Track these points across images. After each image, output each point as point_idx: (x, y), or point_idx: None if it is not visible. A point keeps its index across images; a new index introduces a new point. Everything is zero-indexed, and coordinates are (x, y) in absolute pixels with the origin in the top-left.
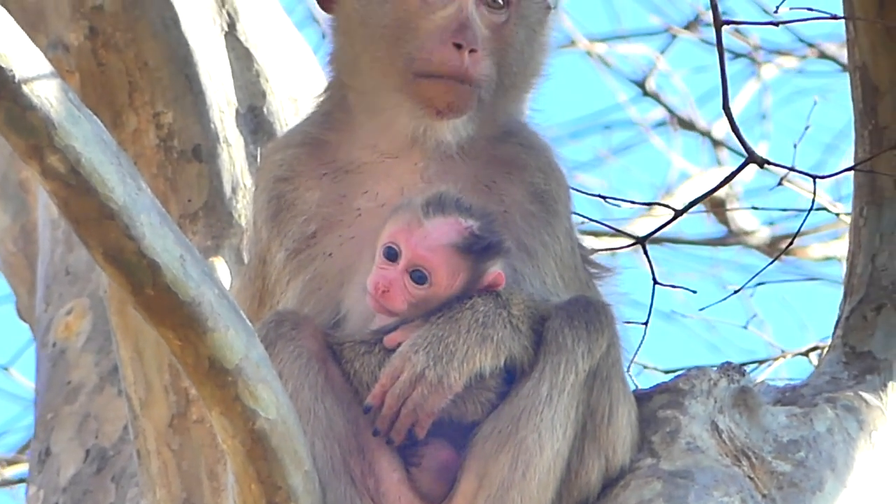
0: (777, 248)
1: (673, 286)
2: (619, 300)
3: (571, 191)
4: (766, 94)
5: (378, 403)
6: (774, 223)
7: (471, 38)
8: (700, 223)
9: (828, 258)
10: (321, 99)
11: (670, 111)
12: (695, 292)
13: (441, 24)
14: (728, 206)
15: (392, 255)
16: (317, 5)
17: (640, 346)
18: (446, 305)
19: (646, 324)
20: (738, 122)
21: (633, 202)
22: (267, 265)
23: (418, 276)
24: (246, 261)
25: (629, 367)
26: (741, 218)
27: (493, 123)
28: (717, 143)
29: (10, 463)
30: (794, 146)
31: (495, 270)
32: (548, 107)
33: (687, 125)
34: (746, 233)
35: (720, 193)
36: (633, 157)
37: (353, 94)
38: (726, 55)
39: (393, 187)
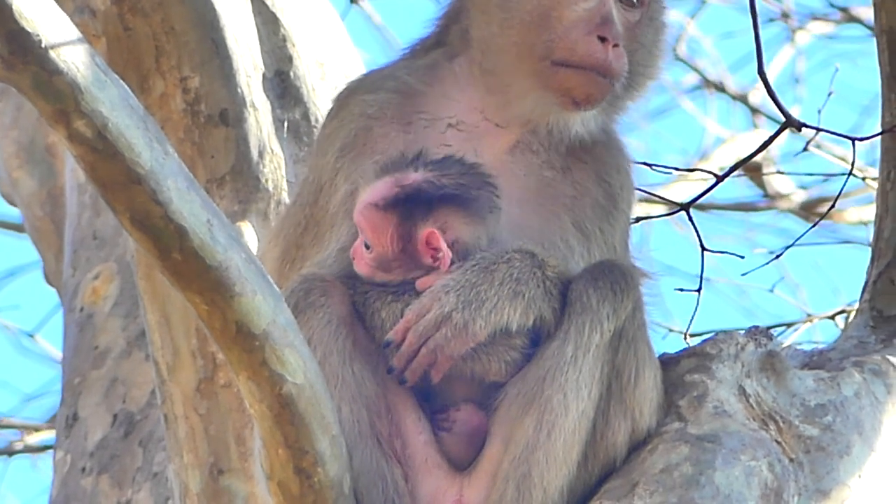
0: (811, 212)
1: (721, 252)
2: (657, 304)
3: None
4: (800, 60)
5: (399, 339)
6: (808, 187)
7: (615, 33)
8: (734, 187)
9: (863, 222)
10: (425, 51)
11: (702, 76)
12: (742, 257)
13: (585, 15)
14: (764, 170)
15: None
16: None
17: (695, 312)
18: (408, 266)
19: (699, 290)
20: (773, 87)
21: (676, 168)
22: (324, 194)
23: (365, 242)
24: (303, 177)
25: (686, 335)
26: (777, 181)
27: (618, 118)
28: (750, 108)
29: (36, 430)
30: (819, 112)
31: (428, 229)
32: None
33: (720, 89)
34: (782, 196)
35: (756, 158)
36: (666, 122)
37: (476, 66)
38: (759, 20)
39: (472, 149)
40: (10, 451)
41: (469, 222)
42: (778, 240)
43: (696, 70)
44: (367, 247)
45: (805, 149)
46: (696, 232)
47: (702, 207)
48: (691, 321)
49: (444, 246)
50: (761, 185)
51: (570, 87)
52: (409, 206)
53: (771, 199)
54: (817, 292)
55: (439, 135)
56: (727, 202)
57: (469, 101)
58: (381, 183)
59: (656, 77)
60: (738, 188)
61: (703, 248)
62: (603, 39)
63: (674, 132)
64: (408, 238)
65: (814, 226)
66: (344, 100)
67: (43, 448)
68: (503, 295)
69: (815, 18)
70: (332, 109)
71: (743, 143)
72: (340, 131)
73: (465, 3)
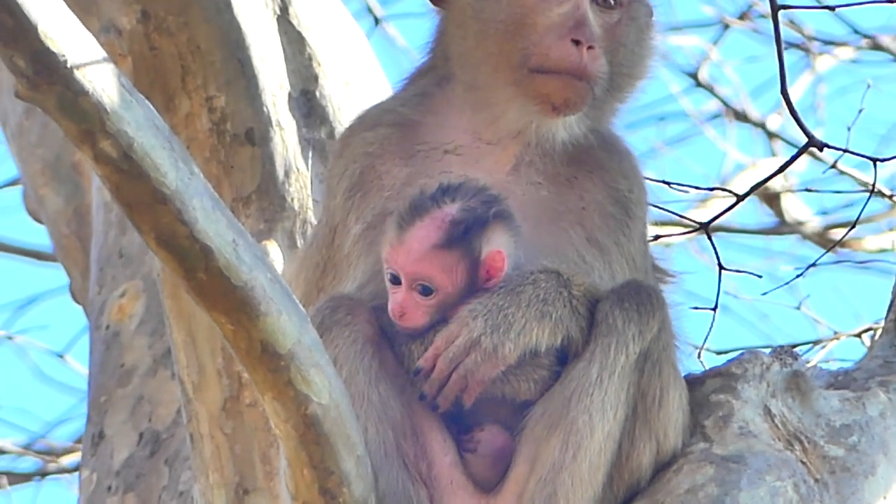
0: (828, 238)
1: (738, 271)
2: (681, 304)
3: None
4: (821, 86)
5: (430, 366)
6: (827, 213)
7: (589, 35)
8: (752, 214)
9: (882, 250)
10: (417, 80)
11: (724, 102)
12: (760, 277)
13: (558, 20)
14: (782, 197)
15: (394, 279)
16: None
17: (709, 332)
18: (468, 295)
19: (714, 309)
20: (796, 107)
21: (696, 188)
22: (339, 235)
23: (423, 290)
24: (318, 220)
25: (699, 354)
26: (794, 208)
27: (600, 126)
28: (770, 135)
29: (66, 452)
30: (848, 129)
31: (493, 250)
32: None
33: (740, 116)
34: (800, 223)
35: (774, 184)
36: (686, 148)
37: (460, 84)
38: (782, 42)
39: (479, 173)
40: (42, 473)
41: (512, 239)
42: (797, 265)
43: (716, 96)
44: (427, 293)
45: (833, 166)
46: (715, 251)
47: (720, 228)
48: (706, 340)
49: (507, 262)
50: (780, 212)
51: (548, 92)
52: (468, 237)
53: (788, 225)
54: (838, 318)
55: (439, 162)
56: (746, 226)
57: (462, 125)
58: (420, 229)
59: (643, 76)
60: (757, 215)
61: (721, 268)
62: (577, 43)
63: (694, 159)
64: (474, 267)
65: (835, 244)
66: (346, 139)
67: (74, 469)
68: (531, 316)
69: (837, 44)
70: (336, 150)
71: (763, 169)
72: (346, 172)
73: (445, 23)
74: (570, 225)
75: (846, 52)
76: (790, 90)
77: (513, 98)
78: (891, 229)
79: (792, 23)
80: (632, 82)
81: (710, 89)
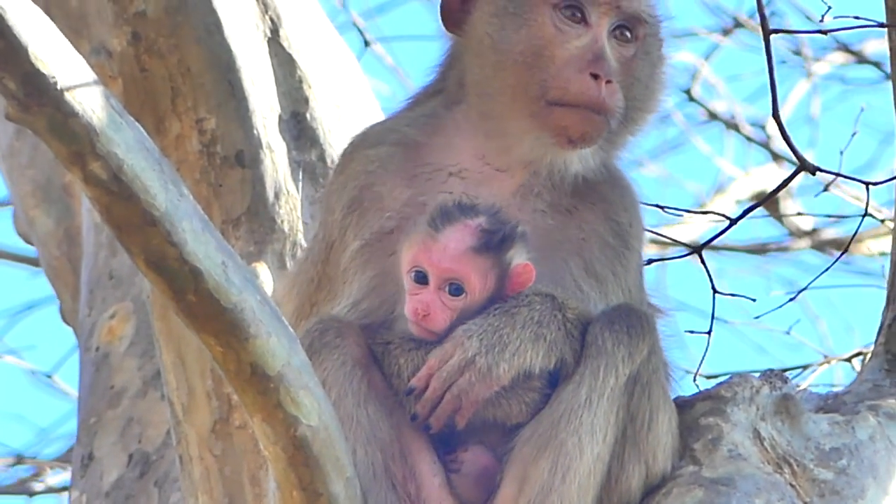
0: (827, 248)
1: (733, 294)
2: (673, 342)
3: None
4: (815, 96)
5: (423, 386)
6: (823, 228)
7: (608, 69)
8: (751, 223)
9: (883, 253)
10: (424, 101)
11: (717, 117)
12: (754, 300)
13: (577, 53)
14: (781, 204)
15: (420, 277)
16: (441, 24)
17: (704, 355)
18: (487, 308)
19: (709, 332)
20: (787, 130)
21: (689, 211)
22: (335, 251)
23: (454, 289)
24: (314, 234)
25: (695, 377)
26: (792, 208)
27: (616, 155)
28: (763, 146)
29: (51, 467)
30: (841, 153)
31: (521, 262)
32: None
33: (733, 127)
34: (801, 231)
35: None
36: (679, 157)
37: (474, 111)
38: (774, 59)
39: (484, 197)
40: (30, 492)
41: (528, 254)
42: (797, 272)
43: (709, 112)
44: (457, 293)
45: (826, 189)
46: (708, 274)
47: (715, 248)
48: (701, 363)
49: (534, 276)
50: (779, 218)
51: (566, 125)
52: (502, 246)
53: (790, 232)
54: (835, 329)
55: (442, 184)
56: (744, 243)
57: (470, 148)
58: (456, 231)
59: (655, 110)
60: (757, 223)
61: (715, 291)
62: (596, 77)
63: (688, 168)
64: (503, 277)
65: (827, 268)
66: (348, 156)
67: (62, 489)
68: (525, 338)
69: (832, 51)
70: (337, 165)
71: (759, 178)
72: (346, 188)
73: (460, 49)
74: (570, 255)
75: (840, 58)
76: (784, 102)
77: (529, 129)
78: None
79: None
80: (644, 116)
81: (702, 103)
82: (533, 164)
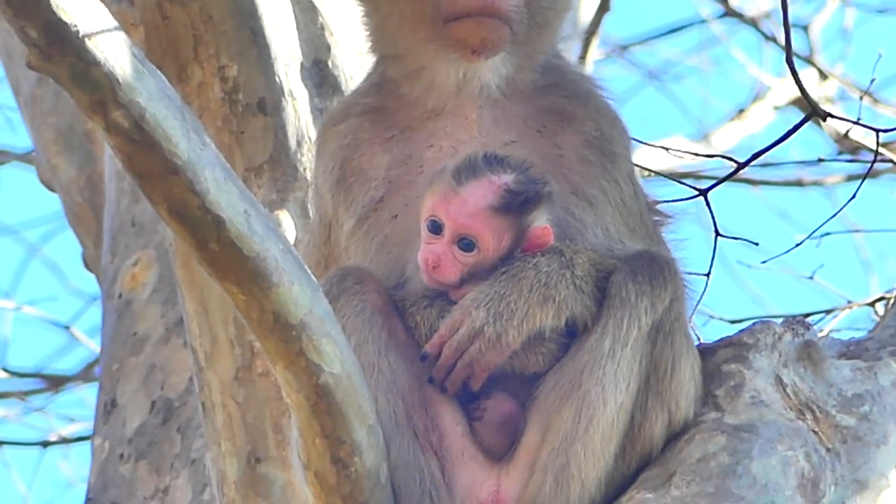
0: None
1: (735, 238)
2: (680, 247)
3: (628, 131)
4: (848, 6)
5: (435, 353)
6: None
7: None
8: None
9: None
10: (370, 72)
11: (753, 25)
12: (756, 244)
13: None
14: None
15: (436, 228)
16: None
17: (700, 298)
18: (501, 265)
19: (707, 275)
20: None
21: (695, 154)
22: (333, 231)
23: (466, 244)
24: (311, 219)
25: (691, 316)
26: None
27: (533, 64)
28: (800, 58)
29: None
30: (860, 98)
31: (541, 225)
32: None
33: (771, 39)
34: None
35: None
36: (716, 70)
37: (392, 61)
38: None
39: (449, 144)
40: (44, 443)
41: (552, 214)
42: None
43: (742, 19)
44: (468, 249)
45: (846, 135)
46: (713, 218)
47: (754, 183)
48: (696, 307)
49: (553, 239)
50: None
51: (463, 36)
52: (524, 208)
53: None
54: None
55: (413, 143)
56: (775, 178)
57: (413, 102)
58: (478, 187)
59: (567, 7)
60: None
61: (717, 234)
62: None
63: (724, 78)
64: (519, 238)
65: (835, 214)
66: (321, 137)
67: (75, 440)
68: (533, 302)
69: None
70: (315, 151)
71: (751, 121)
72: (327, 168)
73: (363, 6)
74: (553, 178)
75: None
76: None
77: (436, 54)
78: None
79: None
80: (557, 14)
81: (740, 15)
82: (461, 91)
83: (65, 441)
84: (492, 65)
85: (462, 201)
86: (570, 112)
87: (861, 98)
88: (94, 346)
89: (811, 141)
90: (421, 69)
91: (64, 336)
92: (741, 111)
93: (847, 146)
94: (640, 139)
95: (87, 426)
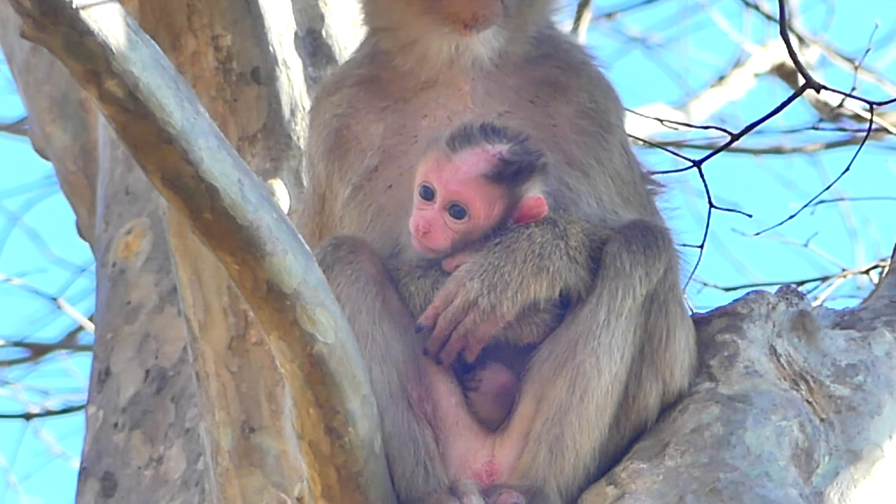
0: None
1: (729, 210)
2: (673, 215)
3: (621, 100)
4: None
5: (430, 324)
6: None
7: None
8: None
9: None
10: (360, 45)
11: None
12: (750, 216)
13: None
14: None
15: (428, 194)
16: None
17: (695, 269)
18: (494, 234)
19: (701, 246)
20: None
21: (689, 125)
22: (327, 201)
23: (457, 211)
24: (305, 190)
25: (686, 286)
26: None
27: (525, 37)
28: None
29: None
30: (855, 68)
31: (534, 196)
32: None
33: (749, 5)
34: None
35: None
36: (697, 36)
37: (384, 33)
38: None
39: (443, 114)
40: (27, 416)
41: (546, 186)
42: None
43: None
44: (459, 216)
45: (840, 105)
46: (706, 189)
47: (750, 152)
48: (690, 278)
49: (547, 210)
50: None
51: (455, 10)
52: (517, 178)
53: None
54: (849, 241)
55: (406, 114)
56: (766, 146)
57: (405, 74)
58: (471, 155)
59: None
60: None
61: (711, 205)
62: None
63: (707, 44)
64: (511, 208)
65: (831, 185)
66: (315, 109)
67: (61, 411)
68: (527, 273)
69: None
70: (309, 122)
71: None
72: (321, 138)
73: None
74: (547, 147)
75: None
76: None
77: (429, 27)
78: None
79: None
80: None
81: None
82: (454, 63)
83: (48, 413)
84: (484, 38)
85: (455, 168)
86: (563, 83)
87: (856, 69)
88: (78, 315)
89: (790, 108)
90: (413, 42)
91: (47, 306)
92: (721, 78)
93: (828, 113)
94: (631, 108)
95: (68, 398)
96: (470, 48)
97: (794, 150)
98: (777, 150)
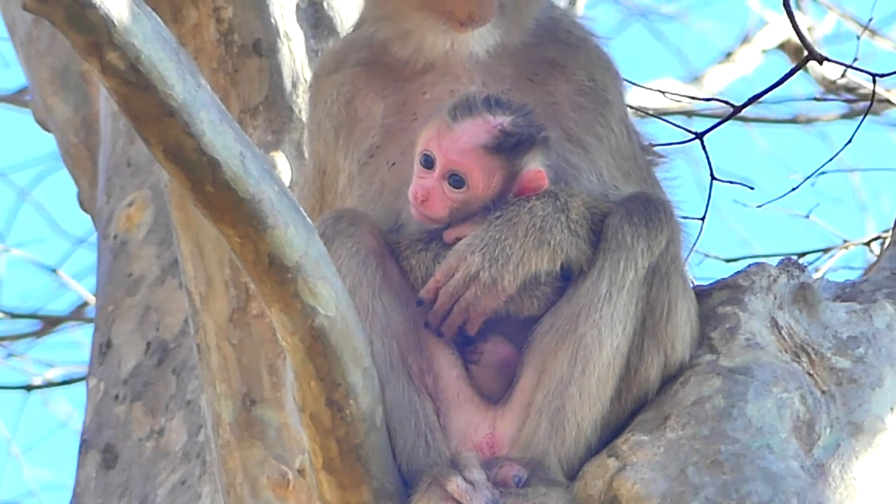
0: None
1: (731, 182)
2: (673, 186)
3: (620, 75)
4: None
5: (431, 298)
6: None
7: None
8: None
9: None
10: (358, 23)
11: None
12: (752, 188)
13: None
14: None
15: (428, 162)
16: None
17: (696, 241)
18: (492, 207)
19: (703, 218)
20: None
21: (692, 97)
22: (329, 178)
23: (455, 181)
24: (306, 165)
25: (688, 257)
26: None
27: (521, 28)
28: None
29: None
30: (858, 38)
31: (534, 168)
32: None
33: None
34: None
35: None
36: (706, 11)
37: (381, 22)
38: None
39: (443, 91)
40: (28, 387)
41: (548, 164)
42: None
43: None
44: (458, 186)
45: (843, 76)
46: (708, 161)
47: (751, 120)
48: (691, 250)
49: (547, 183)
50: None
51: (451, 8)
52: (517, 150)
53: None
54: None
55: (415, 89)
56: (773, 116)
57: (401, 61)
58: (472, 126)
59: None
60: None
61: (713, 178)
62: None
63: (716, 16)
64: (510, 180)
65: (831, 159)
66: (316, 87)
67: (60, 383)
68: (528, 246)
69: None
70: (309, 100)
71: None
72: (324, 115)
73: None
74: (548, 125)
75: None
76: None
77: (425, 21)
78: None
79: None
80: None
81: None
82: (448, 56)
83: (50, 385)
84: (479, 35)
85: (455, 137)
86: (561, 61)
87: (858, 38)
88: (81, 288)
89: (791, 80)
90: (409, 33)
91: (52, 278)
92: (729, 54)
93: (828, 85)
94: (634, 81)
95: (70, 369)
96: (465, 44)
97: (791, 121)
98: (791, 121)
